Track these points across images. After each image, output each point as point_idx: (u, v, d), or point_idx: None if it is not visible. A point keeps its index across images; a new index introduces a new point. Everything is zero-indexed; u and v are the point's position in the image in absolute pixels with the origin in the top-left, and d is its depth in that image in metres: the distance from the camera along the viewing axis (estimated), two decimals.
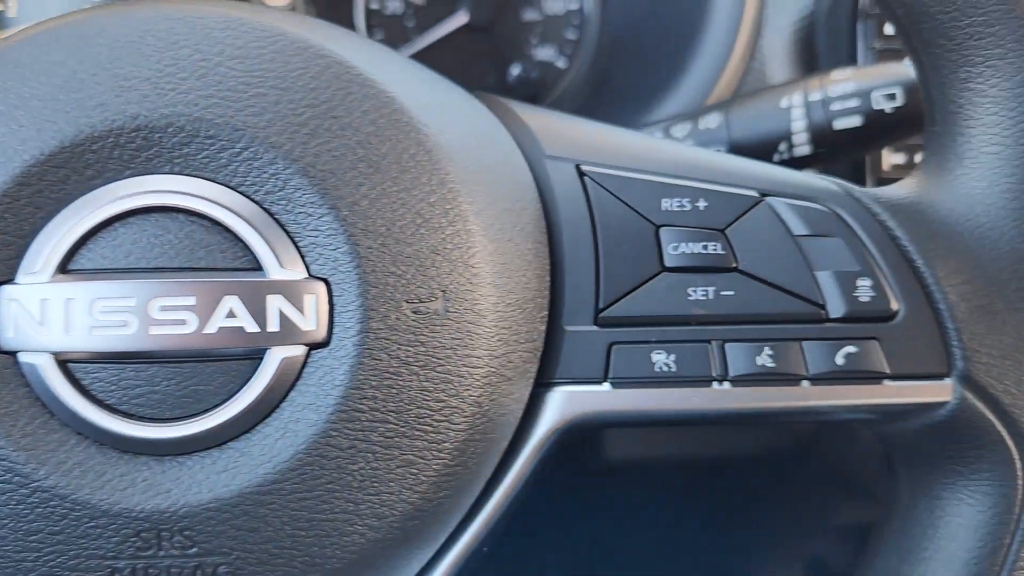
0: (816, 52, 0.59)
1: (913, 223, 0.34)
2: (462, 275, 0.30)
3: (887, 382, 0.33)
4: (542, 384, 0.34)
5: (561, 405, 0.34)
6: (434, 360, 0.30)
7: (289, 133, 0.29)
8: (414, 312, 0.29)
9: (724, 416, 0.34)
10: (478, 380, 0.31)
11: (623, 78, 0.66)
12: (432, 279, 0.30)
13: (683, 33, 0.60)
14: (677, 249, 0.34)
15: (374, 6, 0.68)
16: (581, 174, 0.34)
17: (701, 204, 0.34)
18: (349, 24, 0.68)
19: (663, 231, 0.34)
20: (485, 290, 0.31)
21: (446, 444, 0.30)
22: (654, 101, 0.59)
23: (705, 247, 0.34)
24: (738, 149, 0.48)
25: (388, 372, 0.29)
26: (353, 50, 0.31)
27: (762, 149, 0.48)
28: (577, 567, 0.79)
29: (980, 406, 0.33)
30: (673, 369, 0.33)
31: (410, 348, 0.29)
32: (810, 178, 0.35)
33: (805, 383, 0.33)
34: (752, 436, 0.73)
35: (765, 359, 0.33)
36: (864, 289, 0.33)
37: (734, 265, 0.34)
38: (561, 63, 0.70)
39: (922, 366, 0.33)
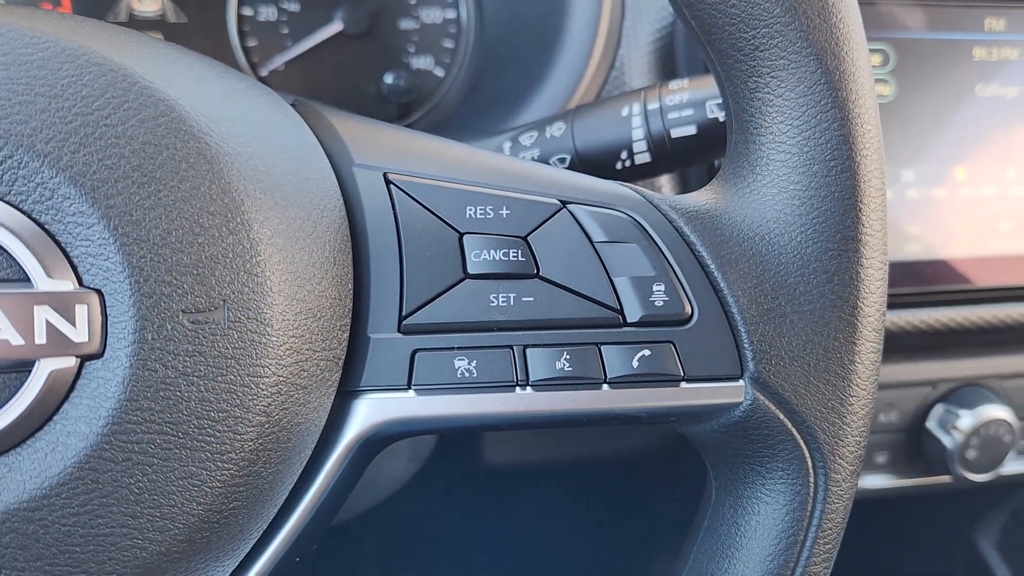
0: (676, 62, 0.61)
1: (708, 229, 0.35)
2: (245, 284, 0.30)
3: (684, 384, 0.34)
4: (347, 392, 0.34)
5: (366, 413, 0.34)
6: (214, 370, 0.29)
7: (57, 141, 0.28)
8: (192, 322, 0.29)
9: (526, 420, 0.34)
10: (265, 389, 0.30)
11: (494, 86, 0.67)
12: (211, 288, 0.29)
13: (545, 42, 0.61)
14: (480, 256, 0.34)
15: (247, 12, 0.68)
16: (388, 182, 0.35)
17: (504, 212, 0.34)
18: (222, 30, 0.67)
19: (467, 238, 0.34)
20: (272, 298, 0.30)
21: (231, 454, 0.30)
22: (517, 109, 0.60)
23: (507, 254, 0.34)
24: (582, 157, 0.49)
25: (164, 383, 0.29)
26: (136, 57, 0.31)
27: (605, 157, 0.49)
28: (467, 568, 0.79)
29: (771, 406, 0.34)
30: (475, 375, 0.33)
31: (188, 359, 0.29)
32: (611, 186, 0.36)
33: (605, 386, 0.34)
34: (636, 437, 0.74)
35: (564, 364, 0.33)
36: (659, 294, 0.34)
37: (535, 272, 0.34)
38: (439, 71, 0.70)
39: (716, 368, 0.34)
